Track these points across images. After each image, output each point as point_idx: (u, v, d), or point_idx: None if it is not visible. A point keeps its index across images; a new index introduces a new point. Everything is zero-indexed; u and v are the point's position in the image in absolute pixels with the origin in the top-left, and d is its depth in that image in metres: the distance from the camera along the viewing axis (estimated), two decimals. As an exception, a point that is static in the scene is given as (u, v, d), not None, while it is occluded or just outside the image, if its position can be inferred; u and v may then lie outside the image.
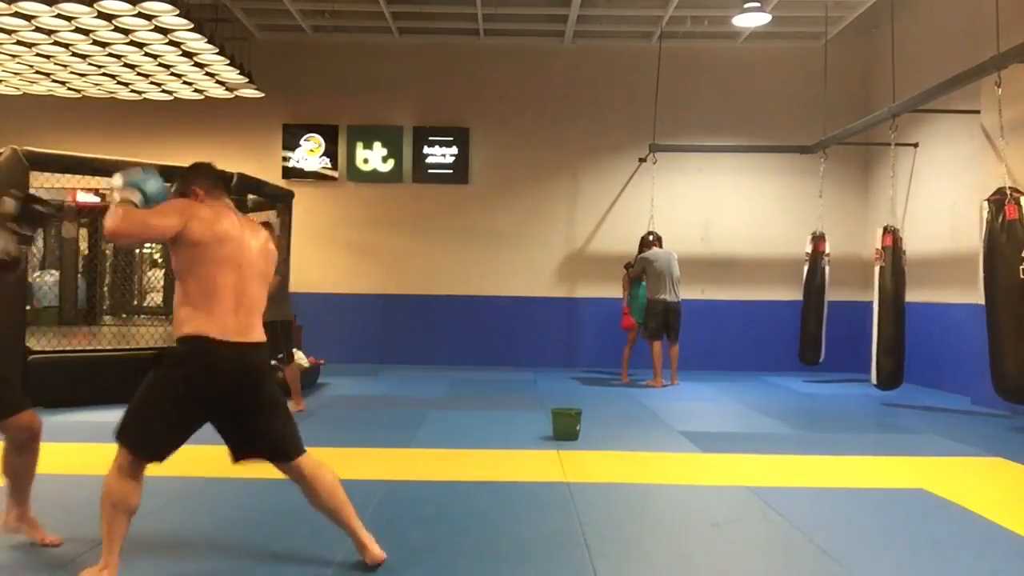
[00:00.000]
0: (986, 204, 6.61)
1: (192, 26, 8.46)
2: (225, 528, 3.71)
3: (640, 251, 9.68)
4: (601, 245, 11.46)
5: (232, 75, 10.15)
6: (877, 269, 8.05)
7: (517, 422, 6.66)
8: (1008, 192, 6.46)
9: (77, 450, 5.38)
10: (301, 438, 3.16)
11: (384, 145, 11.63)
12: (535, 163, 11.63)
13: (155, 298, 13.42)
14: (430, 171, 11.59)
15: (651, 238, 9.73)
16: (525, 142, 11.63)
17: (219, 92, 10.94)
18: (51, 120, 11.48)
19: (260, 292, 3.14)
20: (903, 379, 8.01)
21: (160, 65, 9.80)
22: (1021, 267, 6.30)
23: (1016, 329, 6.35)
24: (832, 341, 9.94)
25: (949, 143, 9.18)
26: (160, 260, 13.90)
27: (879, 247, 8.05)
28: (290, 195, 9.79)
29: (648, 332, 9.16)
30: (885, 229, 8.07)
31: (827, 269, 9.85)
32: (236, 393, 2.98)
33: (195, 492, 4.29)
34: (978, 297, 6.85)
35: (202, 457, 5.10)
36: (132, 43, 8.97)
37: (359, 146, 11.65)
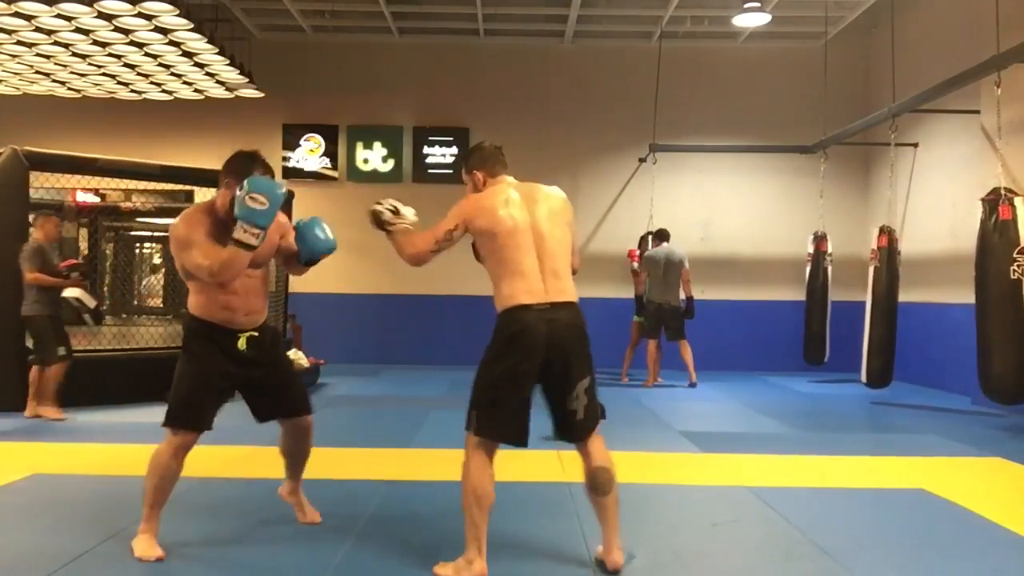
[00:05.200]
0: (981, 204, 6.62)
1: (192, 26, 8.46)
2: (225, 528, 3.71)
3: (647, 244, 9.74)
4: (601, 245, 11.46)
5: (232, 75, 10.15)
6: (872, 269, 8.06)
7: (517, 422, 6.65)
8: (1003, 192, 6.46)
9: (78, 450, 5.38)
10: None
11: (384, 145, 11.63)
12: (535, 163, 11.55)
13: (154, 300, 13.43)
14: (430, 171, 11.60)
15: (650, 235, 9.74)
16: (525, 142, 11.59)
17: (219, 92, 10.95)
18: (51, 120, 11.48)
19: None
20: (892, 377, 8.02)
21: (160, 65, 9.80)
22: (1012, 267, 6.31)
23: (1005, 330, 6.35)
24: (833, 341, 9.94)
25: (949, 143, 9.18)
26: (160, 261, 13.91)
27: (874, 247, 8.05)
28: (290, 195, 9.78)
29: (644, 331, 9.30)
30: (881, 229, 8.07)
31: (829, 269, 9.85)
32: None
33: (196, 492, 4.28)
34: (976, 297, 6.85)
35: (202, 457, 5.10)
36: (132, 43, 8.97)
37: (359, 146, 11.66)
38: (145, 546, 3.22)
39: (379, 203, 3.39)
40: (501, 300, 3.18)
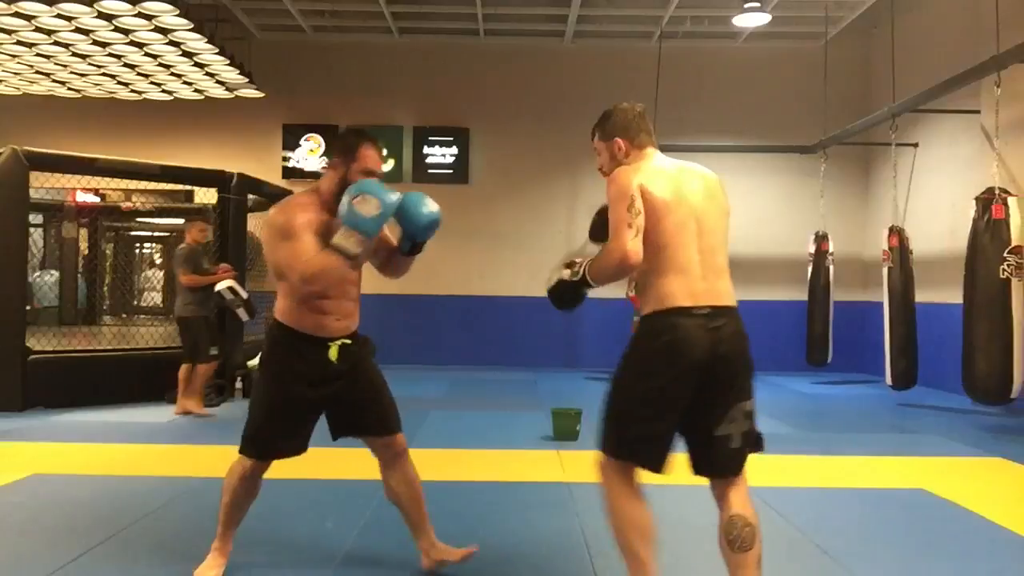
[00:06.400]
0: (974, 202, 6.62)
1: (192, 26, 8.46)
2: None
3: None
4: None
5: (232, 75, 10.15)
6: (885, 270, 8.02)
7: (517, 422, 6.66)
8: (997, 192, 6.46)
9: (78, 450, 5.38)
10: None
11: (384, 145, 11.60)
12: (535, 163, 11.62)
13: (154, 297, 13.43)
14: (430, 171, 11.60)
15: None
16: (525, 142, 11.62)
17: (219, 92, 10.95)
18: (51, 120, 11.48)
19: None
20: (917, 379, 7.97)
21: (160, 65, 9.80)
22: (1002, 266, 6.30)
23: (991, 329, 6.34)
24: (834, 341, 9.93)
25: (949, 143, 9.18)
26: (160, 260, 13.91)
27: (886, 248, 8.02)
28: (290, 195, 9.79)
29: None
30: (891, 229, 8.04)
31: (831, 269, 9.84)
32: None
33: (196, 492, 4.28)
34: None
35: (203, 457, 5.11)
36: (132, 43, 8.97)
37: (359, 146, 11.64)
38: (204, 567, 2.96)
39: (554, 277, 2.76)
40: (653, 299, 2.50)
